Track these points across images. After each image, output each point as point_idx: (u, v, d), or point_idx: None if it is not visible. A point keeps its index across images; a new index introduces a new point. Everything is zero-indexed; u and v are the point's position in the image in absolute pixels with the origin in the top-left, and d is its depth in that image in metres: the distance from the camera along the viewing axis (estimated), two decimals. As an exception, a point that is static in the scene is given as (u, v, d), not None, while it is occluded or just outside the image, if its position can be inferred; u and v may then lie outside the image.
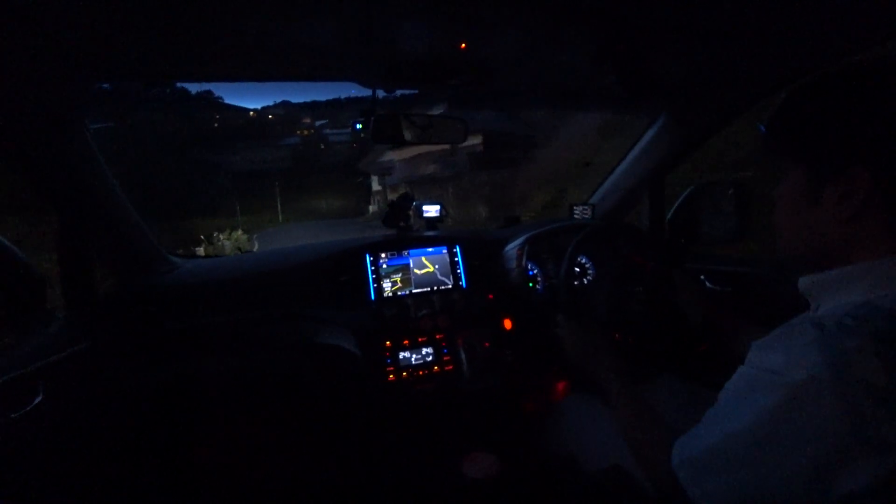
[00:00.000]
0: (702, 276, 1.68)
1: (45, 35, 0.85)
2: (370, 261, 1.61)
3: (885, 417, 0.50)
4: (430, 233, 1.80)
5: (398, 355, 1.52)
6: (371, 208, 23.94)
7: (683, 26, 1.04)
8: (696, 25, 1.04)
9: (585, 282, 1.69)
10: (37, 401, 1.01)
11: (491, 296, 1.67)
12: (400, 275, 1.64)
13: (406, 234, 1.76)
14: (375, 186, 22.86)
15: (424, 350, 1.55)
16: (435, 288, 1.67)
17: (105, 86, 1.23)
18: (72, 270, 1.27)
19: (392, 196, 2.13)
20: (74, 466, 1.16)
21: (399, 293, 1.62)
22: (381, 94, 1.38)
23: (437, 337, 1.57)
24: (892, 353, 0.51)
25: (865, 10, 0.98)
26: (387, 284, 1.61)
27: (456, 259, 1.71)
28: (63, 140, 1.13)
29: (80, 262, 1.29)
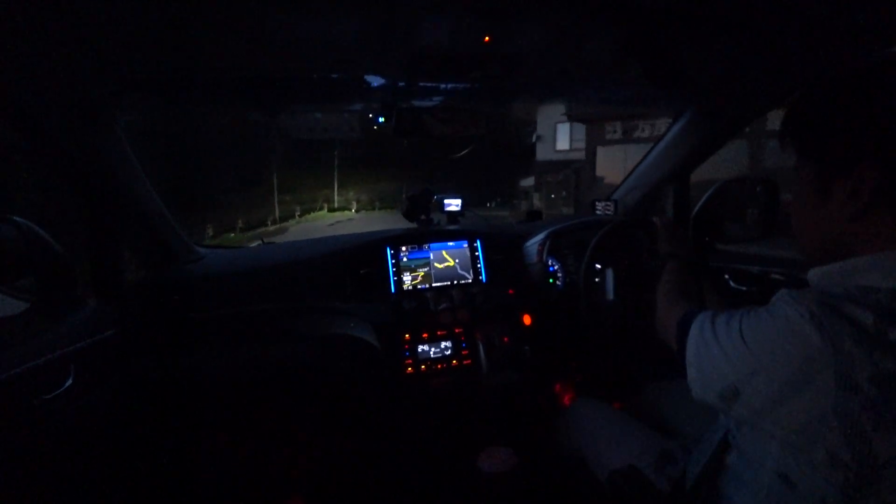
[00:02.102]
0: (726, 276, 1.65)
1: (78, 32, 0.87)
2: (391, 254, 1.62)
3: (860, 357, 0.52)
4: (451, 227, 1.80)
5: (417, 348, 1.53)
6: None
7: (713, 19, 1.02)
8: (726, 18, 1.01)
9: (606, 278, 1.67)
10: (67, 384, 1.05)
11: (511, 291, 1.66)
12: (420, 268, 1.64)
13: (427, 227, 1.76)
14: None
15: (443, 344, 1.55)
16: (455, 282, 1.67)
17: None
18: (101, 260, 1.31)
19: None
20: (100, 447, 1.20)
21: (419, 287, 1.63)
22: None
23: (457, 331, 1.57)
24: (886, 311, 0.53)
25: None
26: (407, 278, 1.62)
27: (476, 253, 1.71)
28: (95, 134, 1.16)
29: (109, 252, 1.33)
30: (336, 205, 23.83)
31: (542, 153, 17.34)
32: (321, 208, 23.17)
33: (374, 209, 23.28)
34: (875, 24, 1.01)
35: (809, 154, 0.67)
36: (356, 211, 23.12)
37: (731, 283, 1.63)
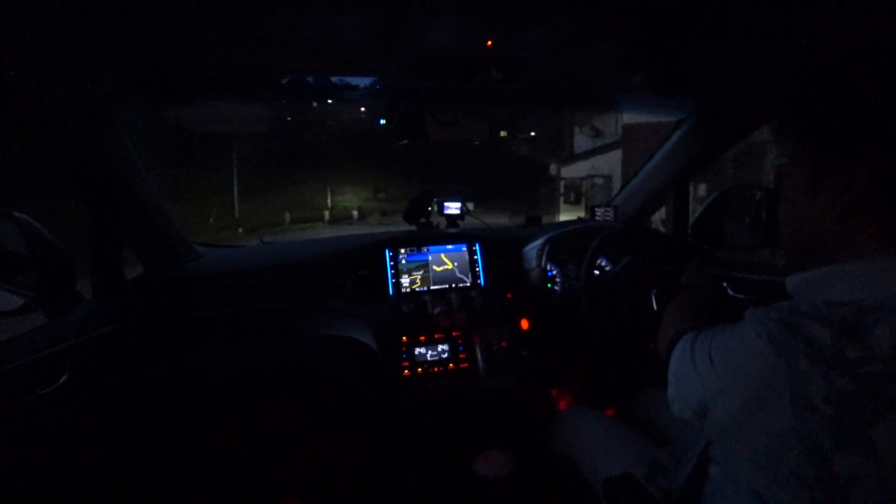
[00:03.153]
0: (724, 284, 1.65)
1: (81, 29, 0.87)
2: (390, 256, 1.62)
3: (816, 377, 0.51)
4: (451, 230, 1.80)
5: (414, 351, 1.52)
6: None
7: (715, 25, 1.02)
8: (728, 25, 1.01)
9: (605, 284, 1.67)
10: (62, 380, 1.04)
11: (510, 295, 1.66)
12: (419, 271, 1.64)
13: (426, 230, 1.76)
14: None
15: (441, 347, 1.55)
16: (453, 285, 1.67)
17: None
18: (101, 256, 1.31)
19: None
20: (96, 444, 1.20)
21: (417, 289, 1.63)
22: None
23: (454, 334, 1.57)
24: (847, 328, 0.52)
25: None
26: (405, 280, 1.62)
27: (475, 257, 1.71)
28: (97, 131, 1.17)
29: (109, 249, 1.33)
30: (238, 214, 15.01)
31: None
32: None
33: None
34: (879, 28, 1.01)
35: (803, 147, 0.67)
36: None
37: (730, 291, 1.63)
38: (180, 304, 1.43)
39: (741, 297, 1.61)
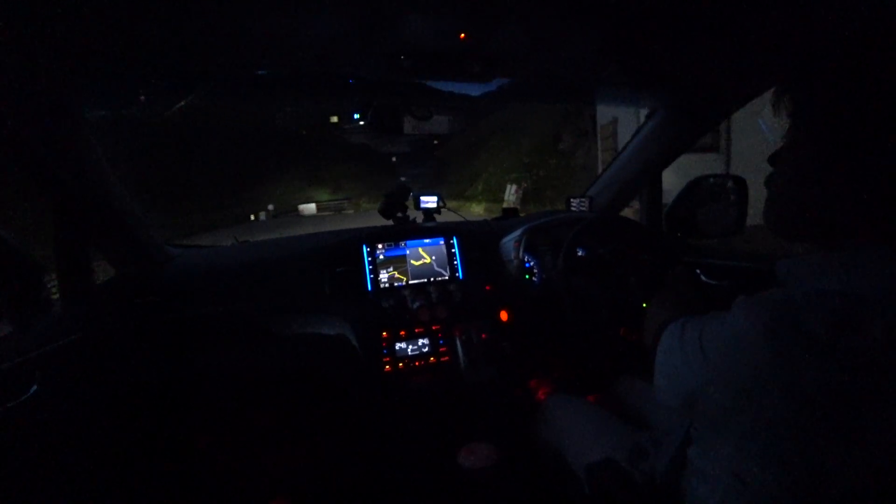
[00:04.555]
0: (697, 270, 1.69)
1: (41, 23, 0.84)
2: (367, 251, 1.61)
3: (811, 369, 0.51)
4: (428, 224, 1.80)
5: (395, 346, 1.52)
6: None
7: (684, 21, 1.03)
8: (697, 20, 1.03)
9: (582, 274, 1.69)
10: (32, 390, 1.01)
11: (488, 287, 1.67)
12: (397, 266, 1.64)
13: (403, 224, 1.75)
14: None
15: (421, 341, 1.55)
16: (432, 279, 1.67)
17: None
18: (68, 260, 1.27)
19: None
20: (70, 455, 1.17)
21: (396, 284, 1.62)
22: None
23: (434, 328, 1.57)
24: (840, 318, 0.51)
25: (864, 9, 0.98)
26: (384, 275, 1.61)
27: (453, 250, 1.71)
28: (59, 129, 1.13)
29: (76, 252, 1.29)
30: None
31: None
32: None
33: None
34: (841, 31, 1.03)
35: (815, 125, 0.63)
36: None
37: (703, 278, 1.67)
38: (153, 308, 1.40)
39: (714, 283, 1.64)
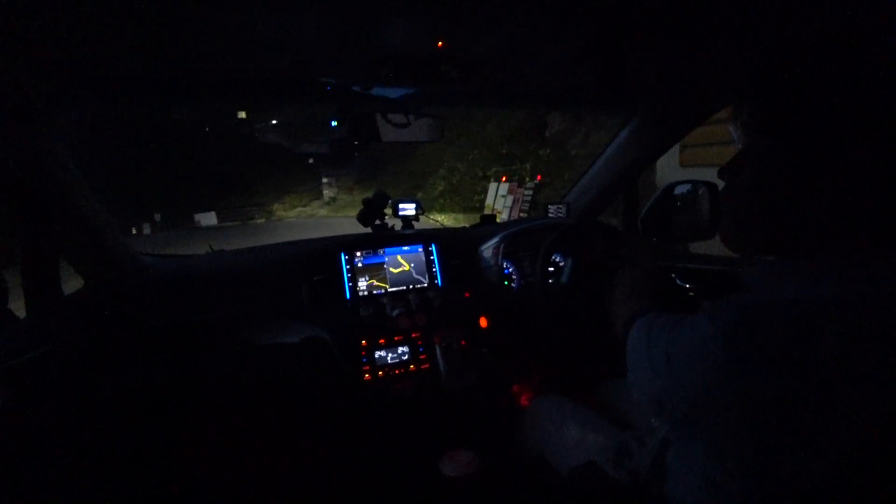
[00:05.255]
0: (672, 274, 1.71)
1: (12, 26, 0.82)
2: (345, 259, 1.60)
3: (767, 378, 0.52)
4: (406, 231, 1.80)
5: (374, 355, 1.51)
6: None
7: (657, 29, 1.06)
8: (668, 28, 1.05)
9: (561, 279, 1.71)
10: None
11: (467, 294, 1.67)
12: (376, 274, 1.63)
13: (382, 232, 1.75)
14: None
15: (401, 349, 1.54)
16: (411, 286, 1.66)
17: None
18: (34, 271, 1.23)
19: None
20: (42, 471, 1.13)
21: (375, 292, 1.61)
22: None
23: (414, 336, 1.56)
24: (802, 327, 0.52)
25: (833, 16, 1.01)
26: (362, 283, 1.60)
27: (432, 257, 1.71)
28: (28, 135, 1.09)
29: (43, 262, 1.25)
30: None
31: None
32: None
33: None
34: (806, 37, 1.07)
35: (784, 136, 0.62)
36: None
37: (678, 281, 1.70)
38: (126, 318, 1.36)
39: (688, 286, 1.67)
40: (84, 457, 1.26)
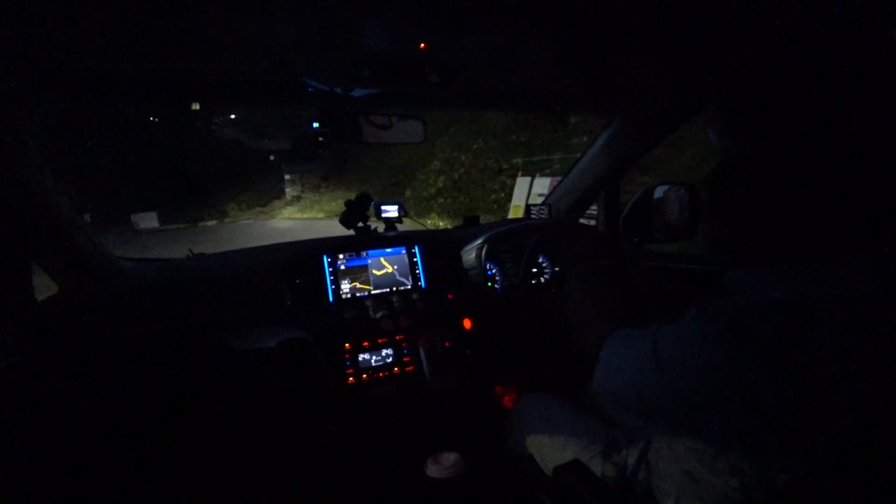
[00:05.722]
0: (653, 274, 1.74)
1: None
2: (328, 262, 1.59)
3: (765, 381, 0.52)
4: (389, 233, 1.79)
5: (358, 357, 1.50)
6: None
7: (637, 33, 1.07)
8: (648, 32, 1.07)
9: (543, 280, 1.71)
10: None
11: (451, 296, 1.67)
12: (359, 276, 1.62)
13: (365, 234, 1.74)
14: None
15: (385, 351, 1.54)
16: (394, 288, 1.65)
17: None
18: (5, 276, 1.19)
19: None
20: (15, 483, 1.10)
21: (358, 294, 1.60)
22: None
23: (398, 338, 1.56)
24: (793, 329, 0.52)
25: (809, 20, 1.03)
26: (345, 286, 1.59)
27: (415, 259, 1.71)
28: None
29: (14, 268, 1.21)
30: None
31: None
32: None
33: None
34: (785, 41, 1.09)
35: (758, 135, 0.63)
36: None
37: (662, 280, 1.72)
38: (102, 325, 1.33)
39: (668, 285, 1.70)
40: (56, 468, 1.23)
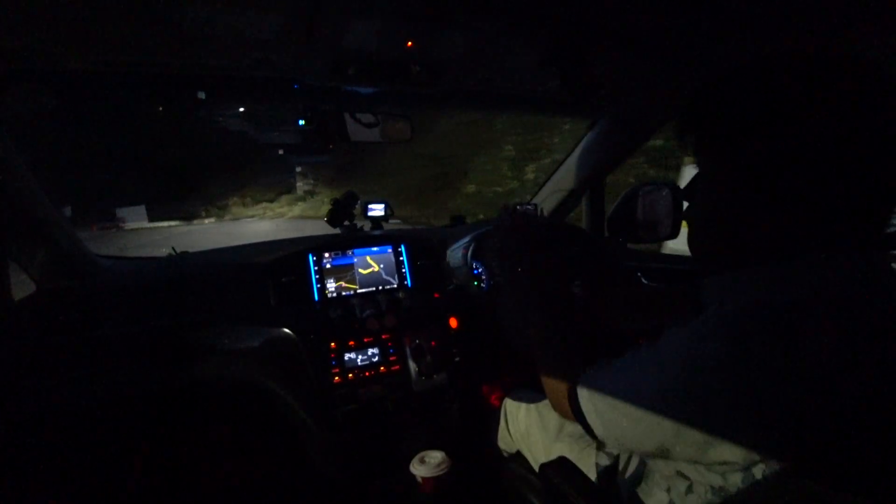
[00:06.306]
0: (638, 273, 1.75)
1: None
2: (313, 261, 1.58)
3: (771, 394, 0.52)
4: (376, 232, 1.79)
5: (344, 357, 1.49)
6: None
7: (620, 35, 1.08)
8: (631, 34, 1.08)
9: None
10: None
11: (437, 295, 1.67)
12: (344, 275, 1.61)
13: (351, 233, 1.73)
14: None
15: (370, 351, 1.53)
16: (380, 287, 1.65)
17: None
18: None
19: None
20: None
21: (344, 293, 1.59)
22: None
23: (384, 337, 1.55)
24: (789, 337, 0.53)
25: (790, 20, 1.05)
26: (331, 285, 1.58)
27: (401, 258, 1.70)
28: None
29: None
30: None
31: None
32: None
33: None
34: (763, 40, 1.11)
35: (722, 148, 0.64)
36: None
37: (644, 280, 1.74)
38: (81, 325, 1.30)
39: (654, 286, 1.72)
40: (33, 468, 1.20)
